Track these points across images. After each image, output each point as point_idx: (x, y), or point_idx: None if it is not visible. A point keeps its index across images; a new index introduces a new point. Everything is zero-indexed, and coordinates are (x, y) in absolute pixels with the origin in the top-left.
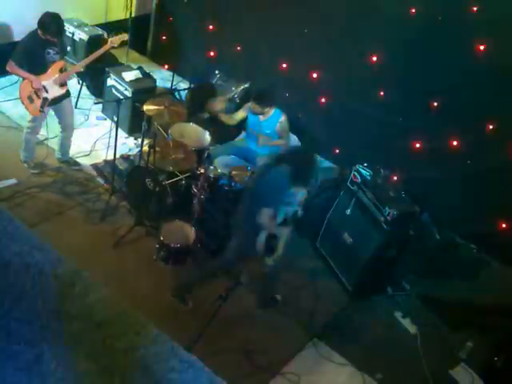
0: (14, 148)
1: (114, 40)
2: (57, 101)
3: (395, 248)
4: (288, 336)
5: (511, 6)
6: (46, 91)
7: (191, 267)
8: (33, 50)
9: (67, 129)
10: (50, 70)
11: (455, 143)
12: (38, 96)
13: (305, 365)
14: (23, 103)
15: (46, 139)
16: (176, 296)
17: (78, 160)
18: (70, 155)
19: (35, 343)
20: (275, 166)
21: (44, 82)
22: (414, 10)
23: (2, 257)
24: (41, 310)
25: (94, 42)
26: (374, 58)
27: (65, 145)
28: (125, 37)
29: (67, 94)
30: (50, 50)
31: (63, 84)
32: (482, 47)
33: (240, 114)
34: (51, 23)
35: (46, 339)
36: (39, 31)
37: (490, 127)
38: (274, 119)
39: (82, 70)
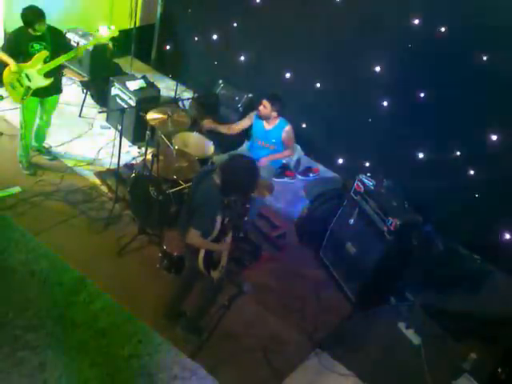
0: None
1: (103, 35)
2: (43, 94)
3: (398, 258)
4: (291, 346)
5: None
6: (29, 80)
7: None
8: (17, 40)
9: (46, 122)
10: (33, 59)
11: (458, 153)
12: (21, 84)
13: (307, 376)
14: (6, 90)
15: (50, 147)
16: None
17: (52, 150)
18: (73, 164)
19: (40, 350)
20: (205, 176)
21: (27, 71)
22: (416, 22)
23: (7, 264)
24: (45, 318)
25: (99, 51)
26: (378, 69)
27: (39, 134)
28: (115, 32)
29: (56, 90)
30: (35, 44)
31: (47, 75)
32: (484, 58)
33: (244, 123)
34: (26, 14)
35: (50, 346)
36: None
37: (493, 137)
38: (279, 128)
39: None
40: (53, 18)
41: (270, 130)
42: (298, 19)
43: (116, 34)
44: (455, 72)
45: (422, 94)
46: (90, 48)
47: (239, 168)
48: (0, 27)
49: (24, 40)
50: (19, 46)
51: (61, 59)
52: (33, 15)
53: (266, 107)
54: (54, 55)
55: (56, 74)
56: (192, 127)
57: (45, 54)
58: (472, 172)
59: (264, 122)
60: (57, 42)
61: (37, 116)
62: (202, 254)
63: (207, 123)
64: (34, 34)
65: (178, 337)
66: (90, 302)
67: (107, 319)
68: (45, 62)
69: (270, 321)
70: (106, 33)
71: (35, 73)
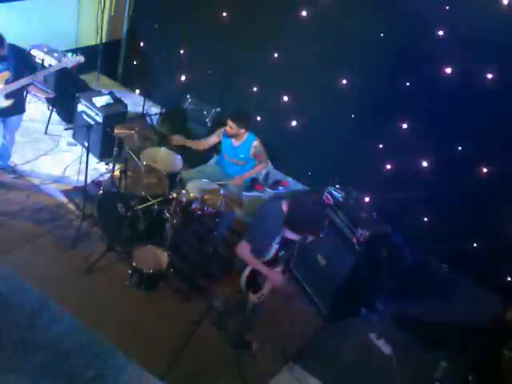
0: None
1: (68, 61)
2: (5, 114)
3: (368, 269)
4: (263, 359)
5: (477, 30)
6: None
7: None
8: None
9: (9, 141)
10: None
11: (425, 164)
12: None
13: None
14: None
15: (15, 165)
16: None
17: (17, 169)
18: (39, 182)
19: (2, 375)
20: (275, 199)
21: None
22: (382, 35)
23: None
24: (6, 341)
25: (64, 68)
26: (345, 82)
27: (2, 153)
28: (81, 59)
29: (19, 110)
30: None
31: (8, 96)
32: (448, 70)
33: (212, 140)
34: None
35: (11, 371)
36: None
37: (460, 148)
38: (247, 144)
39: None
40: (17, 34)
41: (238, 146)
42: (265, 33)
43: (82, 61)
44: (419, 82)
45: (390, 105)
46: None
47: (306, 209)
48: None
49: None
50: None
51: (21, 82)
52: None
53: (232, 127)
54: (16, 76)
55: (18, 94)
56: (160, 143)
57: (6, 75)
58: (439, 182)
59: (232, 139)
60: (19, 63)
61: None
62: (247, 270)
63: (176, 139)
64: None
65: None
66: (52, 323)
67: (70, 340)
68: (6, 82)
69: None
70: (71, 62)
71: None
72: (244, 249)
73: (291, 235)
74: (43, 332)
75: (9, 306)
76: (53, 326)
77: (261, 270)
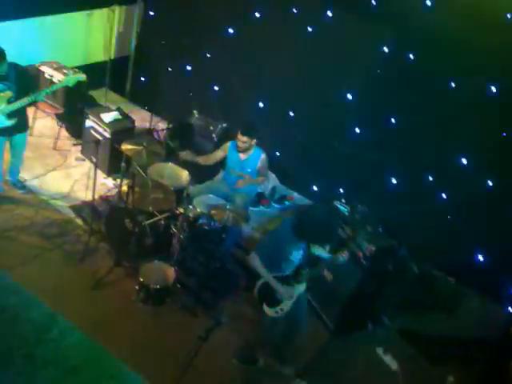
0: None
1: (71, 78)
2: (8, 133)
3: (375, 283)
4: (270, 375)
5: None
6: None
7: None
8: None
9: (17, 159)
10: None
11: (430, 178)
12: None
13: None
14: None
15: (25, 180)
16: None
17: (26, 184)
18: (48, 197)
19: None
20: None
21: None
22: (386, 49)
23: None
24: (15, 355)
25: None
26: (349, 96)
27: (12, 170)
28: (82, 77)
29: (21, 128)
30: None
31: (11, 116)
32: (452, 84)
33: (218, 154)
34: None
35: None
36: None
37: (464, 161)
38: (254, 157)
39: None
40: (27, 51)
41: (245, 159)
42: (271, 49)
43: (83, 79)
44: (425, 98)
45: (394, 120)
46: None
47: (316, 218)
48: None
49: None
50: None
51: (23, 101)
52: None
53: (244, 141)
54: (19, 95)
55: (21, 113)
56: (167, 158)
57: (8, 94)
58: (444, 195)
59: (239, 153)
60: (21, 82)
61: (4, 153)
62: (260, 282)
63: (183, 155)
64: None
65: None
66: (61, 338)
67: (79, 356)
68: (9, 102)
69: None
70: (72, 79)
71: None
72: (255, 260)
73: (319, 252)
74: (52, 346)
75: (18, 320)
76: (62, 340)
77: (271, 283)
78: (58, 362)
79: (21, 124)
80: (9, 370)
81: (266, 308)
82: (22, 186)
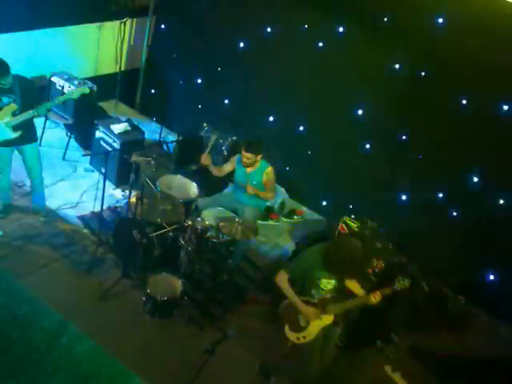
0: None
1: (74, 92)
2: (14, 144)
3: (384, 300)
4: None
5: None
6: None
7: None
8: None
9: (32, 179)
10: (1, 112)
11: (441, 195)
12: None
13: None
14: None
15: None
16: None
17: (50, 215)
18: (56, 207)
19: None
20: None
21: None
22: (397, 66)
23: None
24: (27, 362)
25: (83, 95)
26: (360, 111)
27: (34, 194)
28: (85, 90)
29: (30, 140)
30: (3, 97)
31: (16, 128)
32: (463, 101)
33: (226, 168)
34: None
35: None
36: None
37: (475, 179)
38: (260, 171)
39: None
40: (38, 62)
41: (251, 172)
42: (282, 63)
43: (87, 91)
44: (435, 114)
45: (404, 137)
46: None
47: (343, 250)
48: None
49: None
50: None
51: (28, 114)
52: None
53: (249, 158)
54: (24, 108)
55: (27, 125)
56: (176, 170)
57: (13, 107)
58: (455, 213)
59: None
60: (26, 95)
61: (11, 165)
62: (285, 302)
63: (204, 158)
64: (1, 87)
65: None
66: (71, 346)
67: (89, 363)
68: (14, 114)
69: (256, 365)
70: (76, 92)
71: (3, 125)
72: (283, 278)
73: (353, 286)
74: (63, 354)
75: (29, 327)
76: (72, 348)
77: (296, 304)
78: (68, 370)
79: (27, 136)
80: (20, 377)
81: (287, 331)
82: (45, 214)
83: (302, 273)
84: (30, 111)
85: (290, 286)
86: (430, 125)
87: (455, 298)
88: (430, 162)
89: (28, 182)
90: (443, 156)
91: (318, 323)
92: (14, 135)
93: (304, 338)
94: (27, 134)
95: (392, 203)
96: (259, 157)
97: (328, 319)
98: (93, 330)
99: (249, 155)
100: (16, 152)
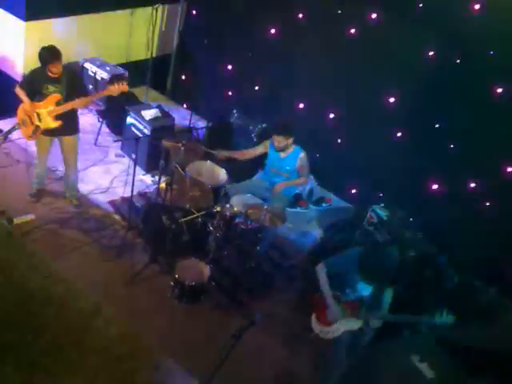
0: None
1: (114, 89)
2: (55, 133)
3: (411, 289)
4: (303, 380)
5: None
6: (39, 120)
7: None
8: (33, 79)
9: (67, 166)
10: (45, 100)
11: (472, 184)
12: (32, 122)
13: None
14: (18, 126)
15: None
16: None
17: (81, 201)
18: (87, 192)
19: (57, 375)
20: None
21: (38, 110)
22: (431, 53)
23: (26, 288)
24: (63, 342)
25: (115, 81)
26: (391, 99)
27: (67, 182)
28: (125, 88)
29: (70, 131)
30: (50, 86)
31: (59, 118)
32: (498, 90)
33: (259, 150)
34: (41, 53)
35: (66, 371)
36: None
37: (509, 169)
38: (294, 155)
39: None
40: (71, 49)
41: (285, 157)
42: (312, 50)
43: (126, 89)
44: (469, 103)
45: (437, 125)
46: (107, 77)
47: (379, 258)
48: (21, 64)
49: (39, 80)
50: (34, 86)
51: (70, 105)
52: (47, 55)
53: (280, 141)
54: (68, 98)
55: (70, 116)
56: (206, 156)
57: (57, 97)
58: (487, 203)
59: (279, 152)
60: (72, 87)
61: (49, 153)
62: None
63: (220, 153)
64: (50, 76)
65: None
66: (106, 327)
67: (122, 345)
68: (57, 104)
69: (281, 353)
70: (116, 90)
71: (46, 114)
72: (321, 271)
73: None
74: (97, 335)
75: (66, 308)
76: (106, 330)
77: (328, 299)
78: (102, 350)
79: (68, 127)
80: (57, 356)
81: (314, 321)
82: (77, 205)
83: (339, 270)
84: (76, 101)
85: (327, 279)
86: (463, 113)
87: (485, 290)
88: (462, 150)
89: (61, 167)
90: (476, 145)
91: (344, 324)
92: (55, 125)
93: (329, 332)
94: (69, 124)
95: (422, 192)
96: (290, 140)
97: (356, 324)
98: (120, 313)
99: (280, 138)
100: (55, 139)
